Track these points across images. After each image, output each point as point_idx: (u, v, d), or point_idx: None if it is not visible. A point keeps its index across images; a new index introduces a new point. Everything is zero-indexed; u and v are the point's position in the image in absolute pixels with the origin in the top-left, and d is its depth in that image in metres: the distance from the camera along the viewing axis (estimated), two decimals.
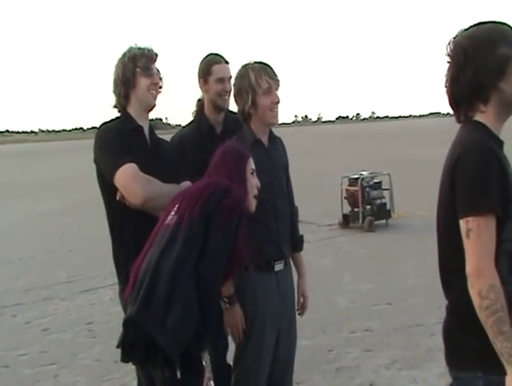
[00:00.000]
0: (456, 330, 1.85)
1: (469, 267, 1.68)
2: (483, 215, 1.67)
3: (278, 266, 2.78)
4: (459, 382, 1.83)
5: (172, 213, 2.24)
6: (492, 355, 1.67)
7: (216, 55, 3.24)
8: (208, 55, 3.24)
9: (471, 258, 1.68)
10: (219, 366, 3.01)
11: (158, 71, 2.71)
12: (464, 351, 1.81)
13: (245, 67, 2.76)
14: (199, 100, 3.28)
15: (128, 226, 2.58)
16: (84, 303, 6.51)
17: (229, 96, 3.08)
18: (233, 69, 2.85)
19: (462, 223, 1.71)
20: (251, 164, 2.47)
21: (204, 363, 2.19)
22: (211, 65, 3.16)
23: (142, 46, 2.69)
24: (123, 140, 2.57)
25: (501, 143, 1.84)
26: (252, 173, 2.46)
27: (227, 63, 3.21)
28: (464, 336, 1.80)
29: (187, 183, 2.62)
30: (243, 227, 2.24)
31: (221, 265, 2.17)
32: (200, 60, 3.24)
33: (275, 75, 2.76)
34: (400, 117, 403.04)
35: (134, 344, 2.07)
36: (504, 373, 1.66)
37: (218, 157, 2.48)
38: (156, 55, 2.70)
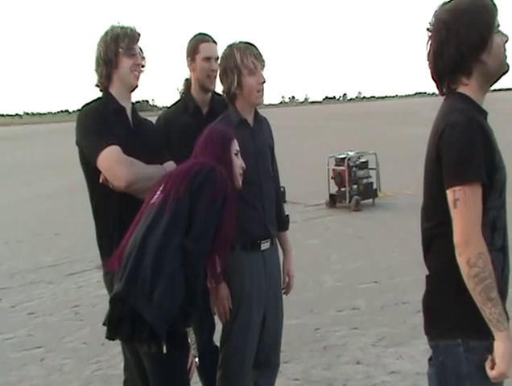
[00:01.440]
0: (434, 297, 1.85)
1: (457, 236, 1.68)
2: (470, 183, 1.67)
3: (265, 245, 2.78)
4: (439, 350, 1.83)
5: (158, 192, 2.27)
6: (471, 321, 1.68)
7: (205, 34, 3.20)
8: (196, 35, 3.21)
9: (459, 227, 1.68)
10: (206, 346, 3.01)
11: (141, 50, 2.66)
12: (442, 318, 1.82)
13: (230, 47, 2.73)
14: (186, 79, 3.25)
15: (111, 209, 2.55)
16: (70, 286, 6.49)
17: (216, 76, 3.05)
18: (221, 50, 2.81)
19: (449, 192, 1.70)
20: (235, 145, 2.49)
21: (189, 340, 2.20)
22: (198, 44, 3.13)
23: (124, 25, 2.64)
24: (105, 121, 2.53)
25: (485, 113, 1.84)
26: (236, 154, 2.48)
27: (215, 43, 3.17)
28: (442, 303, 1.81)
29: (170, 164, 2.61)
30: (229, 206, 2.27)
31: (207, 243, 2.20)
32: (189, 39, 3.21)
33: (261, 55, 2.74)
34: (386, 96, 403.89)
35: (121, 320, 2.08)
36: (484, 338, 1.68)
37: (203, 138, 2.49)
38: (139, 34, 2.65)
